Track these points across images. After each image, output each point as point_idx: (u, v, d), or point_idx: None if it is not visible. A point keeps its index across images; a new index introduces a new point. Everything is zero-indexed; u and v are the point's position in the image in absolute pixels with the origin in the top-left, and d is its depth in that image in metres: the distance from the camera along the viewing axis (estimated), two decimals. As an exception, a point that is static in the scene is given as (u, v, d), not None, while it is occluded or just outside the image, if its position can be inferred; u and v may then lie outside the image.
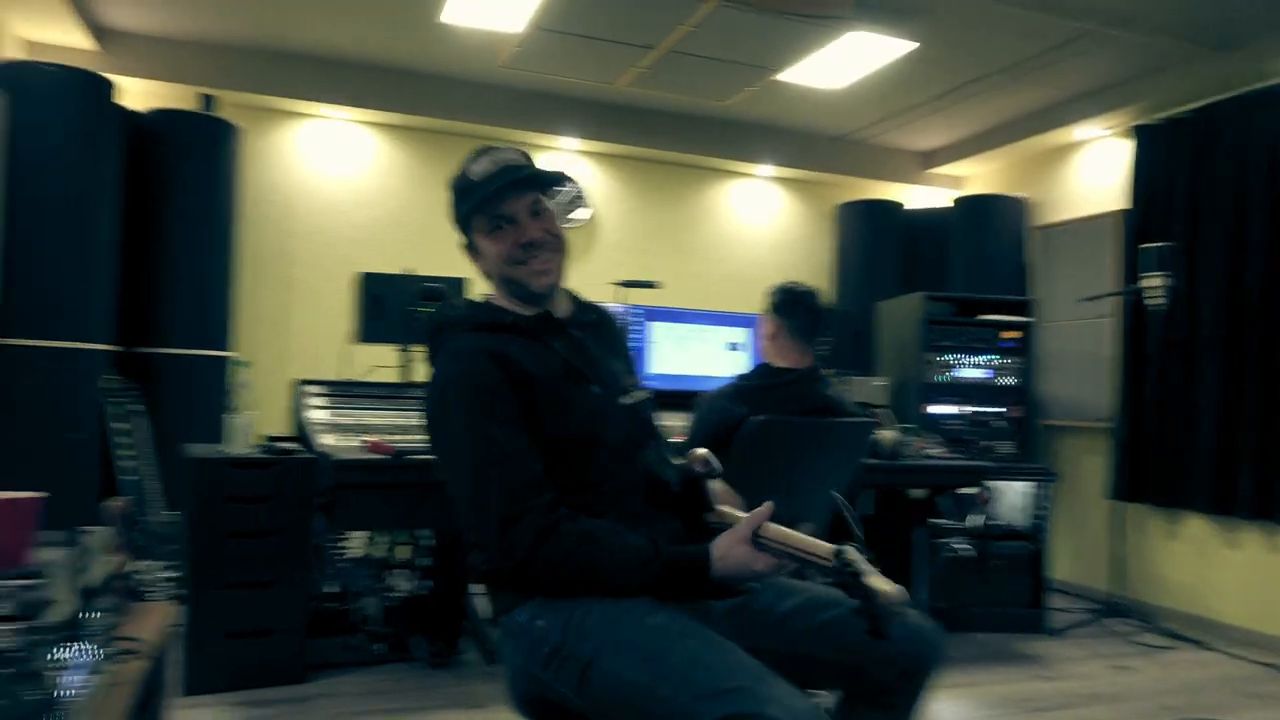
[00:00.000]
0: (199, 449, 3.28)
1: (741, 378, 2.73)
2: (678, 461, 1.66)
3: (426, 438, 1.55)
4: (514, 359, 1.51)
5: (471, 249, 1.65)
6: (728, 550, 1.34)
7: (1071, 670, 3.67)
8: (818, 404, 2.67)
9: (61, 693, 1.20)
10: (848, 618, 1.27)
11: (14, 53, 4.29)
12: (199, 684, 3.01)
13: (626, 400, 1.62)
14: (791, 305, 2.77)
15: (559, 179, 1.67)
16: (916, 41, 4.32)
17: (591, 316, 1.72)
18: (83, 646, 1.36)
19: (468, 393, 1.48)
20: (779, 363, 2.75)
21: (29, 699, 1.08)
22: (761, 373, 2.73)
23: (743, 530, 1.34)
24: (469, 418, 1.45)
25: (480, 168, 1.59)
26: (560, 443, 1.49)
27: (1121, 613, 4.39)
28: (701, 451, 1.60)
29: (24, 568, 1.24)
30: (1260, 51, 4.18)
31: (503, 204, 1.56)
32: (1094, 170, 5.31)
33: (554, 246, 1.60)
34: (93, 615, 1.37)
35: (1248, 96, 4.27)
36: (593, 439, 1.52)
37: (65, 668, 1.26)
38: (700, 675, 1.23)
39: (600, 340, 1.69)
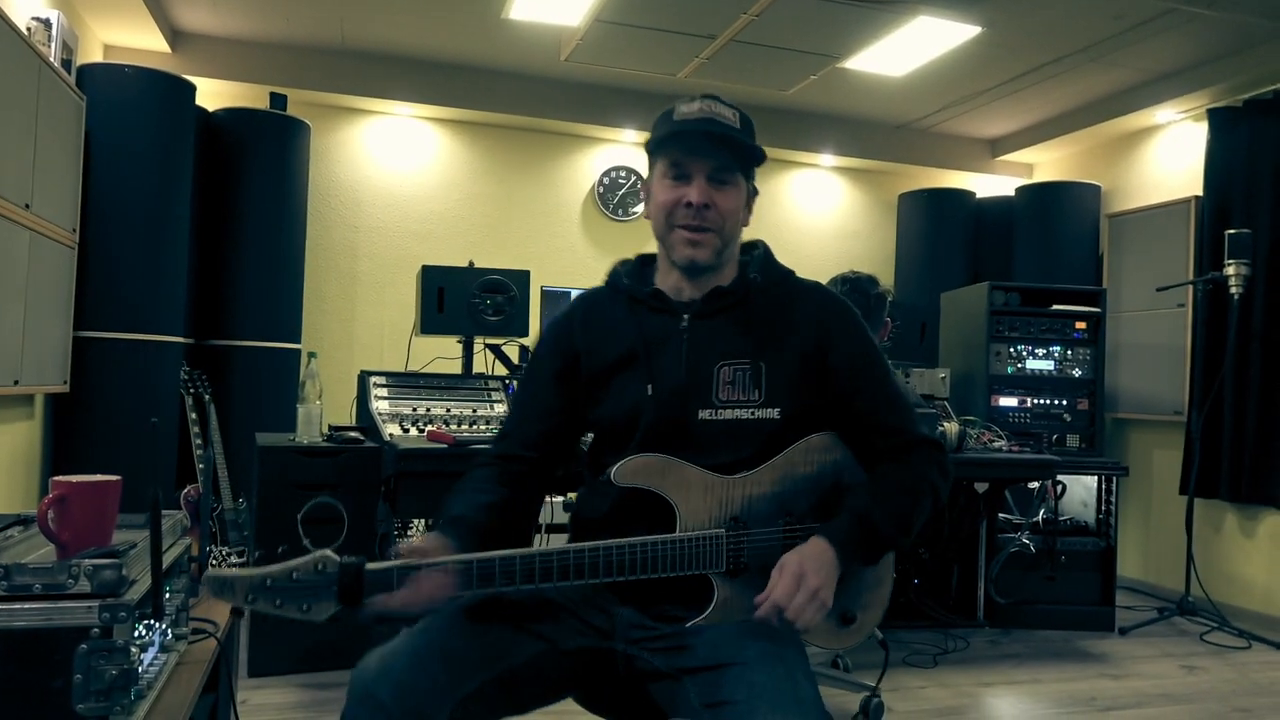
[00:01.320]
0: (268, 437, 3.39)
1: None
2: None
3: None
4: (579, 329, 1.55)
5: (646, 185, 1.56)
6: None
7: (1140, 669, 3.59)
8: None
9: (140, 668, 1.26)
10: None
11: (92, 56, 4.45)
12: (262, 665, 3.11)
13: (707, 415, 1.46)
14: (840, 294, 2.76)
15: (753, 154, 1.48)
16: (982, 26, 4.24)
17: (731, 301, 1.51)
18: (158, 625, 1.43)
19: (538, 342, 1.64)
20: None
21: (110, 672, 1.14)
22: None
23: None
24: (529, 360, 1.65)
25: (689, 108, 1.48)
26: (599, 424, 1.55)
27: (1193, 612, 4.27)
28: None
29: (105, 547, 1.31)
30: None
31: (688, 155, 1.45)
32: (1169, 156, 5.16)
33: (716, 224, 1.46)
34: (168, 595, 1.44)
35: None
36: (626, 433, 1.48)
37: (143, 644, 1.32)
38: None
39: (738, 329, 1.49)
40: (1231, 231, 4.26)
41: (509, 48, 4.85)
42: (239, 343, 4.47)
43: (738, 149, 1.46)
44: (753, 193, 1.54)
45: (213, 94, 4.82)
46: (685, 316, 1.50)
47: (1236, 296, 4.22)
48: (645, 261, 1.63)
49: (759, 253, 1.58)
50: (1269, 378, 4.31)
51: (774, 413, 1.45)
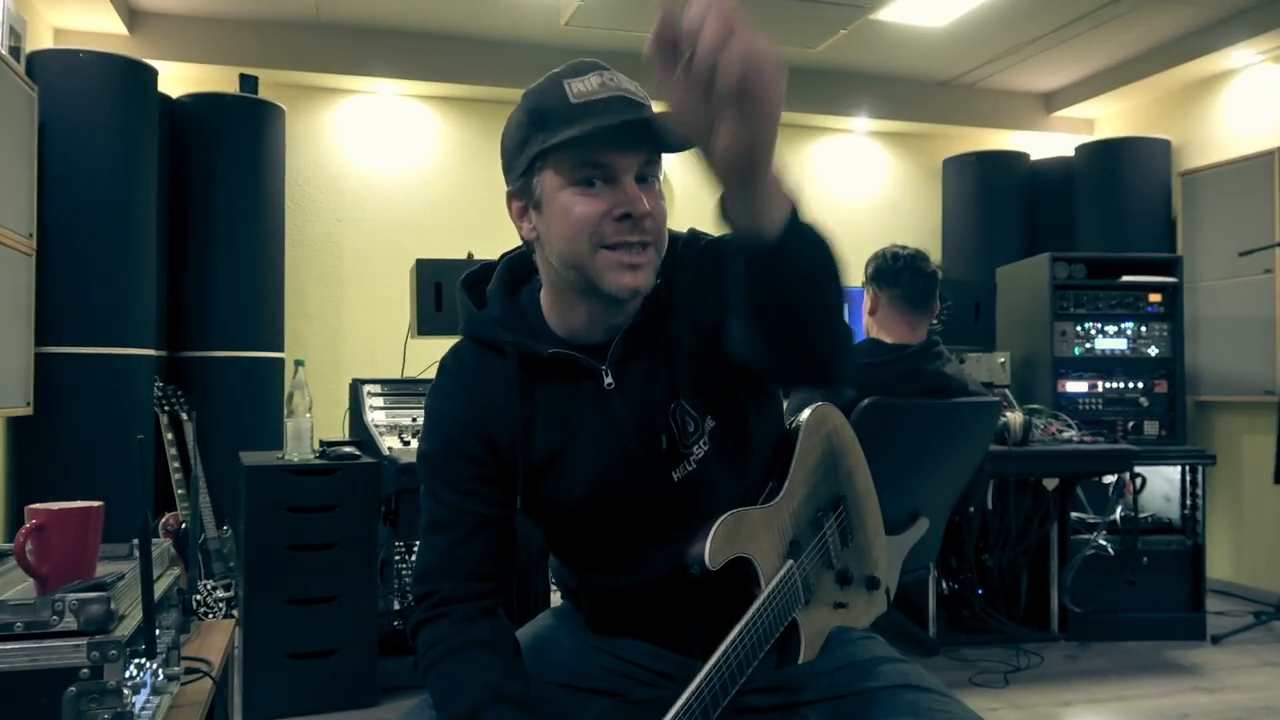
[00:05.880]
0: (254, 457, 3.40)
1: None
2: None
3: None
4: (485, 416, 1.30)
5: (527, 203, 1.25)
6: None
7: (1236, 681, 3.56)
8: (935, 383, 2.65)
9: (132, 711, 1.28)
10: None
11: (43, 42, 4.49)
12: (260, 707, 3.13)
13: (677, 474, 1.31)
14: (894, 272, 2.75)
15: (682, 144, 1.14)
16: (1032, -34, 4.23)
17: (648, 329, 1.31)
18: (150, 664, 1.44)
19: (433, 441, 1.35)
20: (887, 339, 2.74)
21: (102, 717, 1.15)
22: (868, 350, 2.71)
23: None
24: (426, 464, 1.35)
25: (586, 84, 1.21)
26: (550, 538, 1.44)
27: (1296, 615, 4.24)
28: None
29: (90, 580, 1.32)
30: None
31: (606, 151, 1.17)
32: (1248, 103, 5.11)
33: (655, 235, 1.21)
34: (159, 631, 1.45)
35: None
36: (590, 534, 1.37)
37: (136, 685, 1.33)
38: None
39: (664, 360, 1.31)
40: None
41: (503, 14, 4.86)
42: (216, 353, 4.50)
43: (663, 138, 1.18)
44: None
45: (177, 79, 4.86)
46: (605, 370, 1.29)
47: (1331, 258, 4.19)
48: (511, 286, 1.39)
49: None
50: (1371, 348, 4.28)
51: (712, 422, 1.32)
